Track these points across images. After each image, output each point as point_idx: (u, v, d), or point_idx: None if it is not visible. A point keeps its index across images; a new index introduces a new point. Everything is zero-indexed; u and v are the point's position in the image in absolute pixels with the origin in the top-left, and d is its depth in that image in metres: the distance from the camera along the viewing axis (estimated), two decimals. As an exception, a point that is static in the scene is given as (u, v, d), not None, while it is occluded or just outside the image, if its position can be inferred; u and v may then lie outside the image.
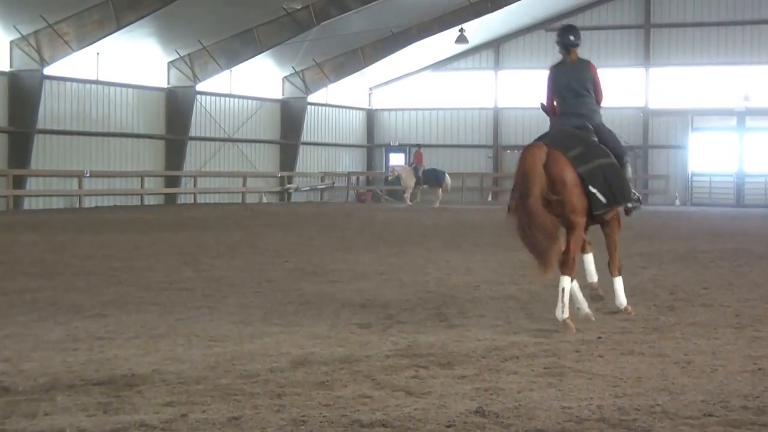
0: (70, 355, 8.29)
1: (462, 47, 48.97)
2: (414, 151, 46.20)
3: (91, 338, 9.08)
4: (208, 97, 43.24)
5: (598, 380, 7.39)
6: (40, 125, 35.43)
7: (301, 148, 48.26)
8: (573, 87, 11.07)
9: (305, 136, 48.59)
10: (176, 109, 41.48)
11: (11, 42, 34.53)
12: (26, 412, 6.42)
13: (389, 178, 46.48)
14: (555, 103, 11.20)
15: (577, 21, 50.15)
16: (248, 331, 9.54)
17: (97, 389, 7.06)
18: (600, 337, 9.23)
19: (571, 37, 11.55)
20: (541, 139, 10.42)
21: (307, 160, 49.38)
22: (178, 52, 40.60)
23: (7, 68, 34.70)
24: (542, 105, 11.36)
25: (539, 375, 7.57)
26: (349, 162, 52.41)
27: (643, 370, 7.75)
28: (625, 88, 48.72)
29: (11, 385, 7.13)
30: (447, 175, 43.52)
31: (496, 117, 51.72)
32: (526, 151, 10.07)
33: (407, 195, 44.06)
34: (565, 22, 49.97)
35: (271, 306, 11.26)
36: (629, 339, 9.18)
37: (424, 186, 43.93)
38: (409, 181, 43.53)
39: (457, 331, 9.59)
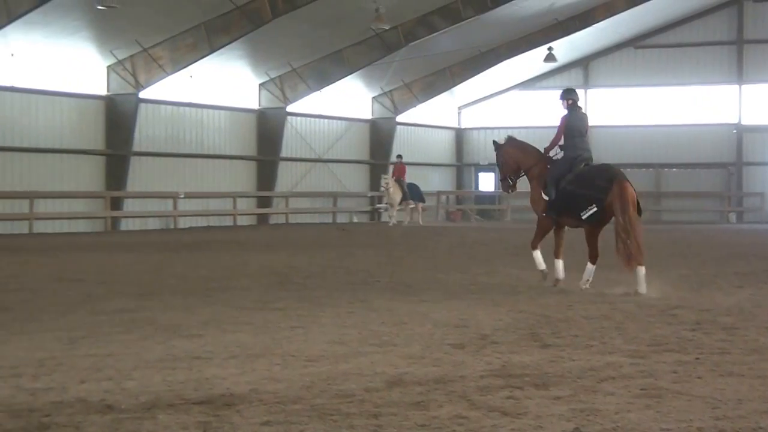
0: (170, 374, 8.43)
1: (550, 66, 48.80)
2: (395, 161, 43.00)
3: (190, 357, 9.21)
4: (298, 118, 43.67)
5: (698, 402, 7.30)
6: (135, 148, 36.13)
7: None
8: (581, 130, 15.80)
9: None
10: (267, 130, 41.97)
11: (108, 67, 35.30)
12: (130, 430, 6.55)
13: (382, 189, 41.59)
14: (562, 141, 15.81)
15: (668, 38, 49.72)
16: (343, 350, 9.61)
17: (197, 408, 7.17)
18: (698, 358, 9.12)
19: (576, 96, 16.17)
20: (601, 166, 15.88)
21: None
22: (268, 74, 41.09)
23: (104, 92, 35.47)
24: (547, 148, 16.10)
25: (636, 396, 7.50)
26: (439, 181, 52.44)
27: (744, 392, 7.64)
28: (717, 105, 48.09)
29: (114, 403, 7.28)
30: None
31: (586, 135, 51.29)
32: (624, 182, 14.91)
33: (393, 212, 40.98)
34: (656, 39, 49.61)
35: (365, 326, 11.31)
36: (728, 360, 9.05)
37: (410, 202, 41.41)
38: (396, 195, 40.45)
39: (552, 351, 9.55)
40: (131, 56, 35.14)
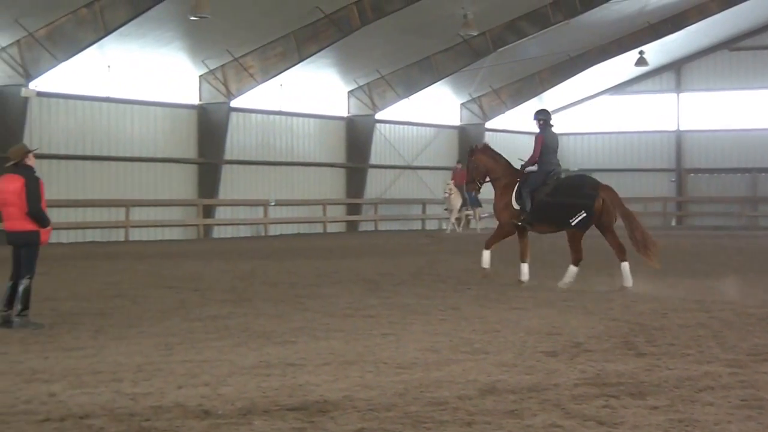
0: (264, 380, 8.52)
1: (641, 70, 48.24)
2: (455, 167, 39.81)
3: (283, 364, 9.30)
4: (386, 125, 43.77)
5: (799, 412, 7.17)
6: (227, 156, 36.56)
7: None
8: (554, 147, 17.95)
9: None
10: (356, 137, 42.14)
11: (200, 76, 35.80)
12: (228, 436, 6.65)
13: (444, 195, 38.75)
14: (537, 156, 17.67)
15: (764, 39, 48.77)
16: (435, 358, 9.62)
17: (292, 414, 7.24)
18: (797, 367, 8.95)
19: (549, 116, 18.17)
20: (580, 177, 18.85)
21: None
22: (357, 82, 41.27)
23: (196, 101, 35.99)
24: (524, 162, 18.04)
25: (736, 407, 7.38)
26: (528, 187, 52.04)
27: None
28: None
29: (211, 409, 7.39)
30: None
31: (679, 140, 50.63)
32: (609, 187, 16.97)
33: (452, 219, 38.67)
34: (752, 40, 48.71)
35: (456, 333, 11.31)
36: (829, 369, 8.87)
37: (467, 210, 39.20)
38: (456, 202, 38.01)
39: (647, 360, 9.44)
40: (222, 66, 35.59)
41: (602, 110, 52.28)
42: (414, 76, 41.50)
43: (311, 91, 40.23)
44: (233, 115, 36.63)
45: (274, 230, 38.68)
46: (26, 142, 28.63)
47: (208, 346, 10.40)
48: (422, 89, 42.16)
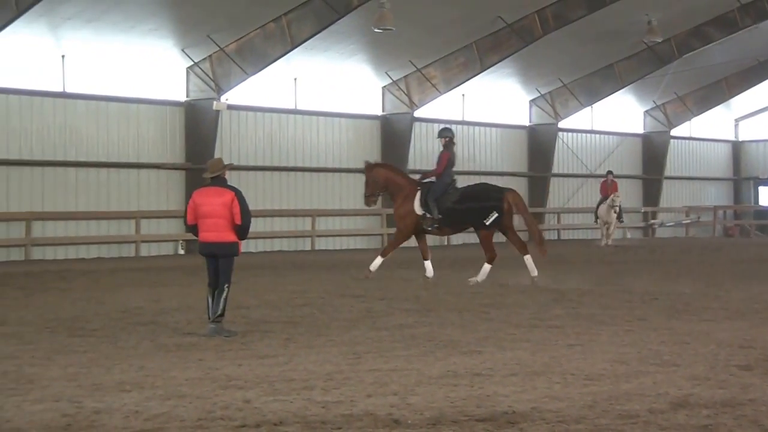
0: (452, 390, 8.59)
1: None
2: (607, 178, 36.28)
3: (470, 374, 9.35)
4: (569, 133, 43.40)
5: None
6: (410, 165, 36.89)
7: (665, 182, 47.39)
8: (454, 162, 20.61)
9: (668, 170, 47.69)
10: (538, 146, 41.95)
11: (383, 87, 36.29)
12: (416, 445, 6.75)
13: (615, 208, 34.74)
14: (442, 171, 20.12)
15: None
16: (623, 369, 9.51)
17: (480, 425, 7.29)
18: None
19: (452, 134, 20.88)
20: (485, 184, 21.10)
21: (671, 195, 48.38)
22: (538, 90, 41.08)
23: (380, 112, 36.48)
24: (425, 175, 20.89)
25: None
26: (715, 195, 50.81)
27: None
28: None
29: (401, 418, 7.50)
30: None
31: None
32: (514, 191, 20.33)
33: (608, 232, 35.00)
34: None
35: (644, 344, 11.14)
36: None
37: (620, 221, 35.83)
38: (609, 215, 34.71)
39: None
40: (405, 76, 36.00)
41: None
42: (596, 84, 41.07)
43: (493, 100, 40.24)
44: (416, 125, 36.97)
45: (456, 240, 38.80)
46: (218, 154, 29.69)
47: (396, 356, 10.55)
48: (605, 97, 41.71)
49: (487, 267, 19.79)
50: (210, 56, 30.76)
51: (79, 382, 9.18)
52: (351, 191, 35.53)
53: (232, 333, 12.38)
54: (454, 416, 7.55)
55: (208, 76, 30.86)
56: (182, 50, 30.38)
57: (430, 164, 38.51)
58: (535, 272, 19.61)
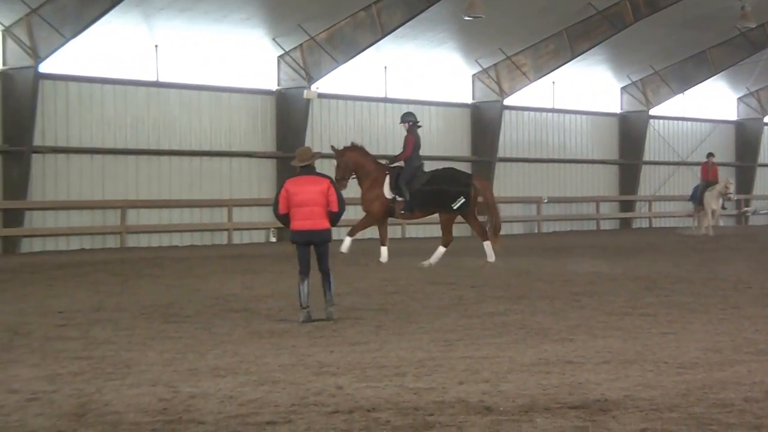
0: (544, 377, 8.58)
1: None
2: (708, 160, 33.97)
3: (562, 362, 9.32)
4: (660, 121, 42.86)
5: None
6: (500, 154, 36.82)
7: (758, 170, 46.56)
8: (420, 145, 21.01)
9: (762, 158, 46.85)
10: (629, 134, 41.54)
11: (473, 75, 36.21)
12: (509, 432, 6.76)
13: (730, 194, 33.37)
14: (409, 154, 20.52)
15: None
16: (717, 358, 9.40)
17: (573, 413, 7.26)
18: None
19: (415, 118, 21.25)
20: (453, 169, 21.52)
21: (766, 182, 47.54)
22: (630, 78, 40.67)
23: (470, 100, 36.42)
24: (395, 159, 20.86)
25: None
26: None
27: None
28: None
29: (492, 405, 7.51)
30: None
31: None
32: (483, 178, 22.45)
33: (710, 220, 32.98)
34: None
35: (738, 333, 11.00)
36: None
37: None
38: (717, 202, 32.82)
39: None
40: (495, 64, 35.87)
41: None
42: (689, 71, 40.57)
43: (583, 87, 39.92)
44: (506, 113, 36.84)
45: (547, 227, 38.62)
46: (308, 143, 29.90)
47: (487, 343, 10.56)
48: (697, 84, 41.14)
49: (441, 250, 20.52)
50: (301, 45, 30.99)
51: (175, 367, 9.36)
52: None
53: (330, 318, 12.61)
54: (547, 404, 7.54)
55: (298, 64, 31.10)
56: (273, 39, 30.67)
57: (520, 153, 38.56)
58: (492, 258, 20.32)
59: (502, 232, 21.43)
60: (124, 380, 8.70)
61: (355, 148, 21.35)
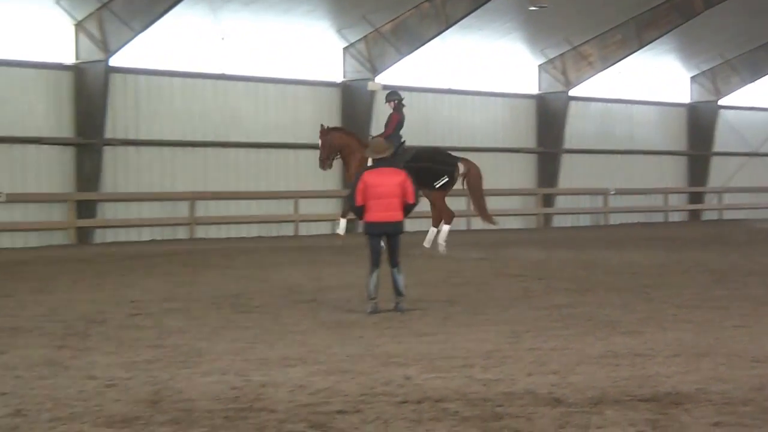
0: (613, 370, 8.53)
1: None
2: None
3: (631, 354, 9.26)
4: (731, 111, 42.26)
5: None
6: (566, 145, 36.55)
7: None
8: (403, 124, 20.89)
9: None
10: (698, 124, 41.01)
11: (539, 66, 36.00)
12: (579, 424, 6.73)
13: None
14: (392, 132, 20.39)
15: None
16: (791, 352, 9.28)
17: (643, 405, 7.22)
18: None
19: (400, 96, 21.23)
20: (438, 149, 23.10)
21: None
22: (699, 67, 40.17)
23: (535, 91, 36.21)
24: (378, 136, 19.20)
25: None
26: None
27: None
28: None
29: (562, 397, 7.49)
30: None
31: None
32: (468, 159, 21.64)
33: None
34: None
35: (813, 327, 10.85)
36: None
37: None
38: None
39: None
40: (561, 55, 35.62)
41: None
42: (761, 60, 40.01)
43: (651, 77, 39.48)
44: (572, 104, 36.57)
45: (614, 219, 38.30)
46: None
47: (555, 335, 10.51)
48: (768, 73, 40.52)
49: (446, 228, 21.07)
50: (365, 37, 31.02)
51: (245, 356, 9.44)
52: (506, 171, 35.40)
53: (400, 310, 12.62)
54: (617, 396, 7.50)
55: (363, 56, 31.14)
56: (338, 31, 30.74)
57: (587, 144, 38.25)
58: (429, 244, 21.02)
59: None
60: (196, 368, 8.81)
61: (340, 128, 22.05)
